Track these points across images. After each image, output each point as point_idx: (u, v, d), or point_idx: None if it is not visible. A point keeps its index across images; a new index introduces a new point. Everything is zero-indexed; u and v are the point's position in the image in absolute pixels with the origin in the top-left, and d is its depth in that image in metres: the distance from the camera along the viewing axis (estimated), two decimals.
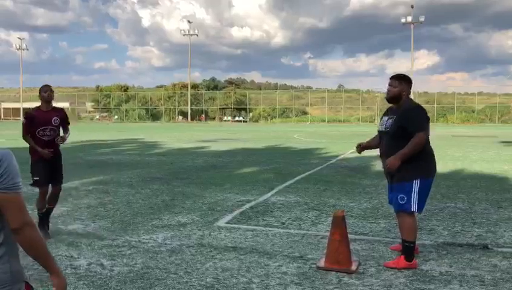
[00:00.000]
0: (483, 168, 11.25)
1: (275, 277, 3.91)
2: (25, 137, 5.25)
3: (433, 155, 4.31)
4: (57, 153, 5.34)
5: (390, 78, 4.33)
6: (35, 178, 5.20)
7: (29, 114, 5.26)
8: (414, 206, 4.11)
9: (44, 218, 5.27)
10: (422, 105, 4.53)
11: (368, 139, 4.86)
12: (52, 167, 5.25)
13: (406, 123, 4.13)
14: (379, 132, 4.46)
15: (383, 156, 4.32)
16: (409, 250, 4.13)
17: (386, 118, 4.38)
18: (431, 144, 4.29)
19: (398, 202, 4.17)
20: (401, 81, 4.29)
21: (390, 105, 4.41)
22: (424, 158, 4.16)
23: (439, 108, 58.98)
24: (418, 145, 4.07)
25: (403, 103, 4.27)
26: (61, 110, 5.56)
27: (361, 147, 4.74)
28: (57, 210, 6.43)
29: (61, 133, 5.44)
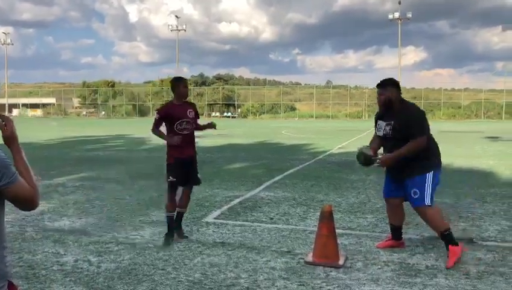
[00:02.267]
0: (469, 163, 11.38)
1: (263, 272, 3.92)
2: (154, 131, 5.00)
3: (439, 150, 4.39)
4: (193, 154, 5.07)
5: (376, 87, 4.37)
6: (171, 179, 4.85)
7: (162, 110, 4.99)
8: (428, 200, 4.13)
9: (177, 222, 4.99)
10: (410, 101, 4.53)
11: (369, 140, 4.75)
12: (188, 168, 4.95)
13: (410, 130, 4.16)
14: (379, 136, 4.47)
15: None
16: (450, 236, 4.15)
17: (383, 123, 4.36)
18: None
19: (412, 197, 4.20)
20: (386, 86, 4.31)
21: None
22: (433, 154, 4.26)
23: (426, 104, 59.39)
24: (416, 148, 4.14)
25: (397, 107, 4.28)
26: (193, 104, 5.27)
27: (374, 154, 4.53)
28: (44, 206, 6.38)
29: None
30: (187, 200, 5.08)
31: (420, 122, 4.23)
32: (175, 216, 4.95)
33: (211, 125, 5.29)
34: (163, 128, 5.03)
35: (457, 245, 4.13)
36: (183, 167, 4.90)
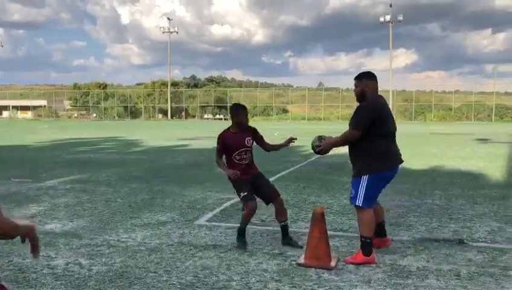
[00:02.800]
0: (459, 165, 11.46)
1: (255, 274, 3.91)
2: (217, 161, 4.84)
3: (389, 153, 4.26)
4: (256, 172, 4.86)
5: (354, 79, 4.38)
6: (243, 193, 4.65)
7: (221, 139, 4.78)
8: (360, 201, 4.16)
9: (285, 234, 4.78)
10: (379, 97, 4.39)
11: None
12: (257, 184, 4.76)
13: (350, 120, 4.27)
14: None
15: None
16: (366, 245, 4.17)
17: None
18: (396, 142, 4.37)
19: (350, 195, 4.32)
20: (361, 79, 4.30)
21: None
22: (375, 156, 4.16)
23: (417, 106, 59.79)
24: (346, 138, 4.24)
25: (369, 99, 4.27)
26: (252, 129, 4.95)
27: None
28: (34, 209, 6.34)
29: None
30: (282, 211, 4.75)
31: (357, 116, 4.19)
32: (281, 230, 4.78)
33: (292, 140, 5.01)
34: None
35: (368, 256, 4.13)
36: (251, 184, 4.71)
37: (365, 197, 4.16)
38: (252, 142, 4.84)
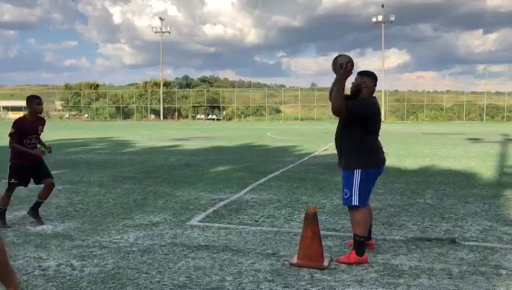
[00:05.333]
0: (451, 165, 11.54)
1: (248, 274, 3.91)
2: (14, 146, 5.48)
3: (378, 150, 4.32)
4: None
5: (357, 74, 4.37)
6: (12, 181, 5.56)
7: (18, 124, 5.45)
8: (355, 201, 4.17)
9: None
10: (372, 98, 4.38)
11: None
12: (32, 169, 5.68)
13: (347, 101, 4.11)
14: None
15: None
16: (359, 244, 4.18)
17: None
18: (379, 140, 4.37)
19: (344, 196, 4.28)
20: (363, 75, 4.31)
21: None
22: (367, 152, 4.20)
23: (409, 106, 60.08)
24: (337, 96, 4.04)
25: (360, 96, 4.26)
26: (43, 119, 5.80)
27: None
28: (25, 210, 6.28)
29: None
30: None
31: (357, 103, 4.14)
32: None
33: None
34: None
35: (361, 256, 4.15)
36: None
37: (359, 196, 4.17)
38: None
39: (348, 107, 4.08)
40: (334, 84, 4.18)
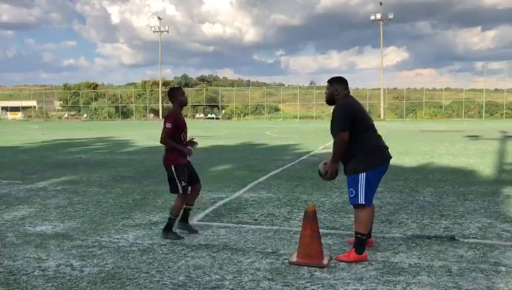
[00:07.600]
0: (450, 162, 11.54)
1: (248, 273, 3.91)
2: (168, 141, 4.96)
3: (379, 147, 4.35)
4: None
5: (327, 83, 4.50)
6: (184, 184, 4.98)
7: (172, 116, 4.95)
8: (362, 199, 4.19)
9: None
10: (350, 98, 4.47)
11: None
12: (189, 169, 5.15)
13: (332, 127, 4.34)
14: None
15: None
16: (360, 242, 4.20)
17: None
18: (380, 136, 4.41)
19: (349, 195, 4.32)
20: (332, 83, 4.44)
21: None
22: (368, 152, 4.24)
23: (408, 104, 60.09)
24: (340, 145, 4.24)
25: (336, 103, 4.39)
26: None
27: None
28: (25, 211, 6.29)
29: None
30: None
31: (339, 119, 4.26)
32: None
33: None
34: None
35: (361, 254, 4.16)
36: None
37: (366, 195, 4.19)
38: None
39: (343, 129, 4.20)
40: (334, 161, 4.44)
